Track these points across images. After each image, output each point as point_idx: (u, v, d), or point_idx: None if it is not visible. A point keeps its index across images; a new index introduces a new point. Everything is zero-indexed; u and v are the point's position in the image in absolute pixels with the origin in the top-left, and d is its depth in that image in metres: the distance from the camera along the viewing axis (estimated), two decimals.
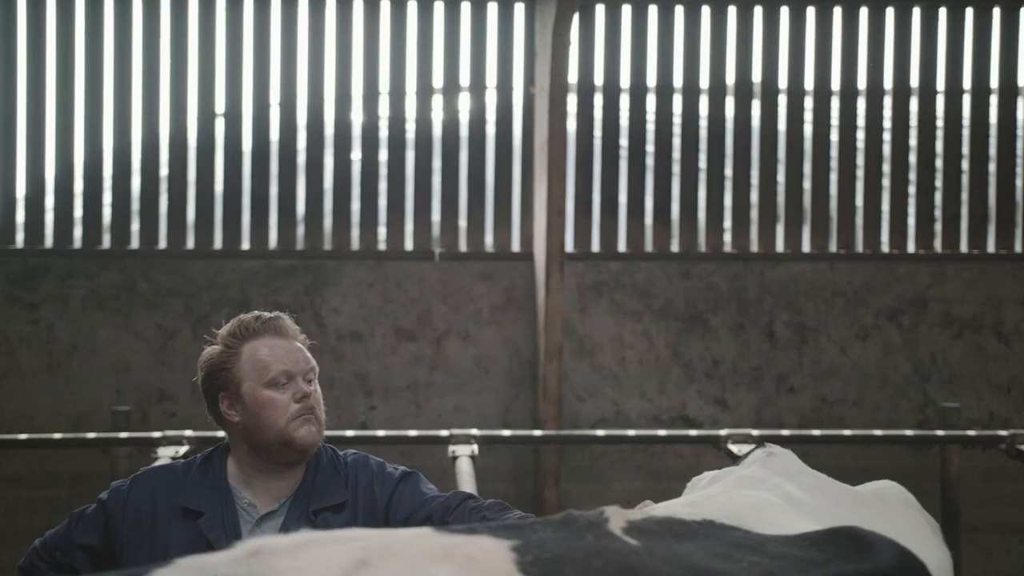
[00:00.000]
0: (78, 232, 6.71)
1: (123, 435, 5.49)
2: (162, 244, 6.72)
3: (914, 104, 7.14)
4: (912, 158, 7.17)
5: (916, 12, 7.09)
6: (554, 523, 1.71)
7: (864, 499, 2.15)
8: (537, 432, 6.25)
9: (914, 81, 7.12)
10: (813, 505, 2.04)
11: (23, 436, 5.76)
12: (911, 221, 7.17)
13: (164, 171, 6.79)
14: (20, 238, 6.67)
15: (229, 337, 2.79)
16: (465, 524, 2.56)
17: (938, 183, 7.18)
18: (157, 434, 5.27)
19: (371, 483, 2.77)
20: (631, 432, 6.39)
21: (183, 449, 5.06)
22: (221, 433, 5.76)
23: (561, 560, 1.57)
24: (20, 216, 6.69)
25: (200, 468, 2.78)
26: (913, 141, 7.16)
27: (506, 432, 6.07)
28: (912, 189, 7.18)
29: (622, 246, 6.98)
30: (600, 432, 6.40)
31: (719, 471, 2.24)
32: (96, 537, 2.72)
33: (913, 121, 7.15)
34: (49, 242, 6.67)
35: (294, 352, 2.78)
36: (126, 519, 2.71)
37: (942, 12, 7.10)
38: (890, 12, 7.08)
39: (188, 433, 5.23)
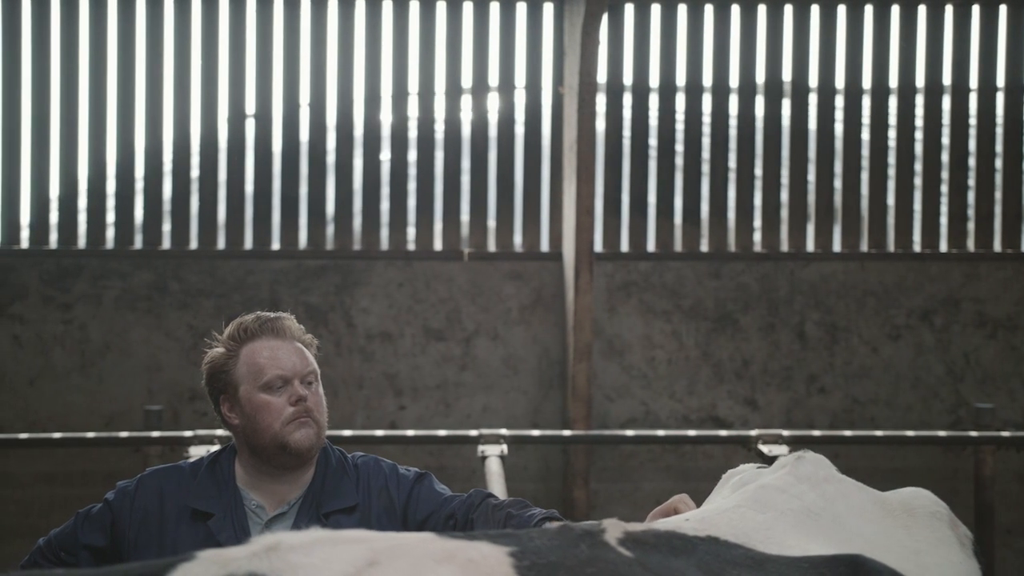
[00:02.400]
0: (110, 233, 6.77)
1: (155, 434, 5.53)
2: (193, 244, 6.77)
3: (947, 102, 7.08)
4: (944, 156, 7.11)
5: (948, 9, 7.03)
6: (550, 532, 1.78)
7: (891, 510, 2.13)
8: (566, 432, 6.25)
9: (947, 79, 7.06)
10: (832, 518, 2.03)
11: (57, 435, 5.82)
12: (943, 220, 7.11)
13: (195, 172, 6.84)
14: (54, 238, 6.74)
15: (228, 340, 2.78)
16: (482, 525, 2.57)
17: (971, 182, 7.12)
18: (189, 433, 5.32)
19: (385, 485, 2.75)
20: (660, 432, 6.38)
21: (215, 448, 5.09)
22: None
23: (555, 566, 1.65)
24: (54, 217, 6.76)
25: (208, 469, 2.77)
26: (945, 140, 7.10)
27: (535, 432, 6.08)
28: (944, 188, 7.12)
29: (651, 246, 6.96)
30: (629, 432, 6.38)
31: (751, 470, 2.24)
32: (102, 538, 2.70)
33: (946, 119, 7.08)
34: (82, 243, 6.73)
35: (291, 355, 2.74)
36: (133, 520, 2.69)
37: (975, 9, 7.04)
38: (922, 10, 7.02)
39: (219, 432, 5.26)
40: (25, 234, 6.74)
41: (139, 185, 6.80)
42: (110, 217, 6.79)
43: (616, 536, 1.78)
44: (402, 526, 2.71)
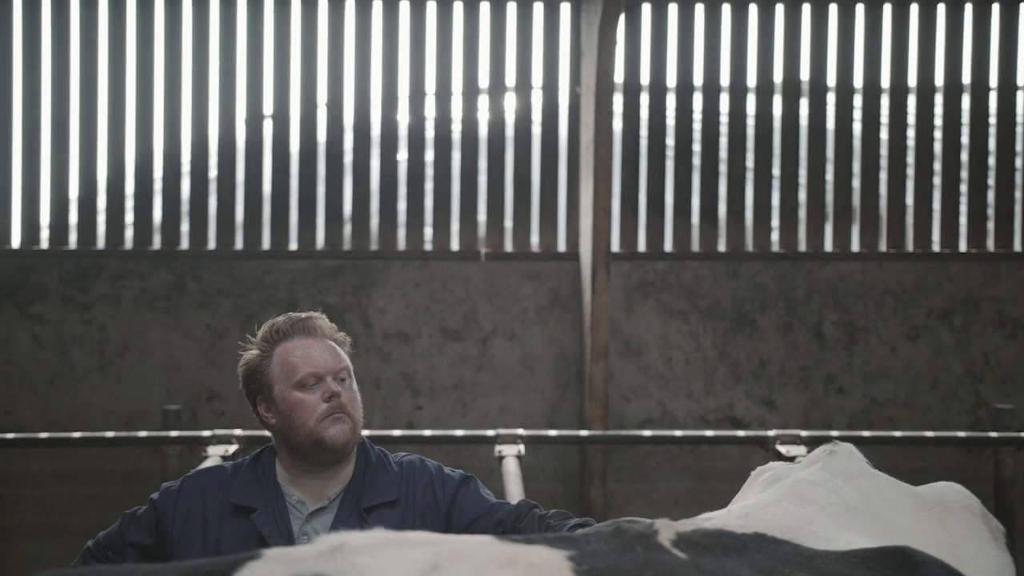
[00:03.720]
0: (129, 233, 6.81)
1: (174, 434, 5.56)
2: (211, 245, 6.79)
3: (966, 101, 7.04)
4: (964, 156, 7.07)
5: (968, 8, 6.99)
6: (605, 535, 1.79)
7: (925, 503, 2.13)
8: (583, 432, 6.25)
9: (966, 77, 7.03)
10: (869, 512, 2.02)
11: (76, 434, 5.85)
12: (963, 219, 7.07)
13: (213, 172, 6.86)
14: (73, 239, 6.78)
15: (262, 341, 2.85)
16: (527, 534, 2.59)
17: (991, 181, 7.08)
18: (207, 433, 5.34)
19: (430, 484, 2.80)
20: (678, 432, 6.36)
21: (232, 448, 5.11)
22: (269, 433, 5.79)
23: (614, 571, 1.66)
24: (73, 217, 6.79)
25: (249, 467, 2.84)
26: (965, 138, 7.07)
27: (552, 432, 6.07)
28: (964, 187, 7.09)
29: (668, 246, 6.95)
30: (647, 432, 6.37)
31: (781, 467, 2.23)
32: (147, 536, 2.77)
33: (965, 118, 7.05)
34: (101, 243, 6.76)
35: (323, 352, 2.80)
36: (176, 518, 2.76)
37: (995, 8, 7.00)
38: (941, 8, 6.99)
39: (237, 432, 5.29)
40: (45, 234, 6.78)
41: (158, 185, 6.83)
42: (129, 217, 6.82)
43: (669, 537, 1.79)
44: (445, 527, 2.76)
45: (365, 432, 6.03)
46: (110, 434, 5.84)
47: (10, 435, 5.82)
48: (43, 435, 5.90)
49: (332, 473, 2.79)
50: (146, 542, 2.76)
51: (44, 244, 6.75)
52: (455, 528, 2.74)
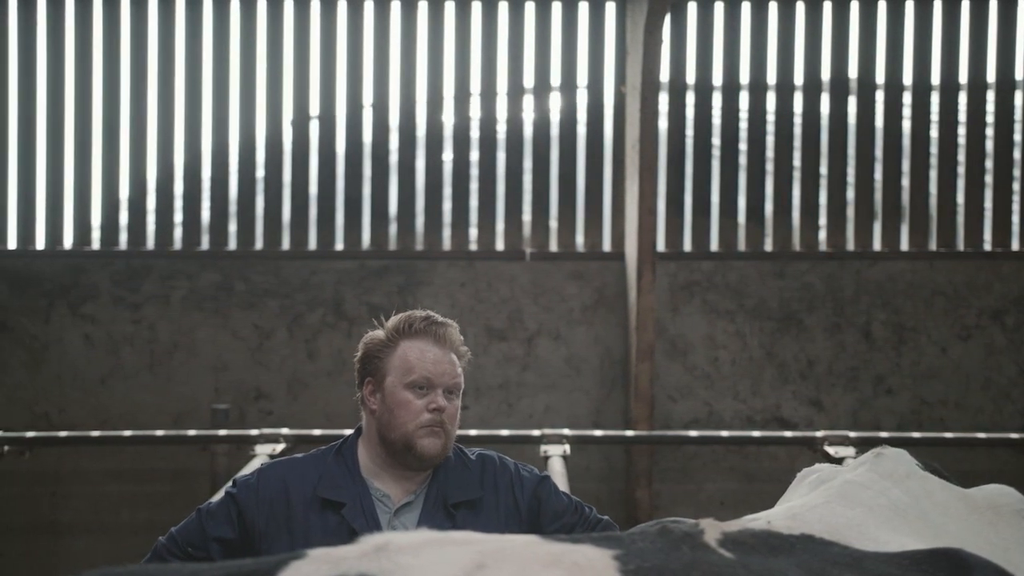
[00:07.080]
0: (178, 233, 6.89)
1: (222, 432, 5.61)
2: (258, 245, 6.85)
3: (1018, 98, 6.93)
4: (1016, 154, 6.96)
5: (1021, 4, 6.88)
6: (651, 534, 1.78)
7: (975, 507, 2.09)
8: (629, 432, 6.22)
9: (1018, 74, 6.91)
10: (919, 514, 1.99)
11: (127, 433, 5.93)
12: (1015, 218, 6.96)
13: (260, 173, 6.92)
14: (123, 239, 6.86)
15: (392, 329, 2.86)
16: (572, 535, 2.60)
17: None
18: (254, 432, 5.38)
19: (511, 483, 2.81)
20: (724, 433, 6.32)
21: (280, 447, 5.15)
22: (317, 431, 5.83)
23: (660, 570, 1.64)
24: (123, 218, 6.88)
25: (335, 460, 2.82)
26: (1017, 136, 6.96)
27: (598, 432, 6.05)
28: (1016, 185, 6.98)
29: (714, 245, 6.91)
30: (693, 433, 6.34)
31: (828, 468, 2.21)
32: (231, 530, 2.75)
33: (1018, 115, 6.94)
34: (151, 243, 6.85)
35: (442, 363, 2.80)
36: (261, 511, 2.74)
37: None
38: (993, 5, 6.89)
39: (285, 431, 5.33)
40: (96, 235, 6.88)
41: (206, 186, 6.90)
42: (178, 218, 6.90)
43: (715, 537, 1.77)
44: (525, 527, 2.77)
45: None
46: (159, 432, 5.91)
47: (62, 433, 5.91)
48: (94, 433, 5.99)
49: (416, 472, 2.81)
50: (229, 536, 2.75)
51: (95, 245, 6.85)
52: (531, 529, 2.75)
